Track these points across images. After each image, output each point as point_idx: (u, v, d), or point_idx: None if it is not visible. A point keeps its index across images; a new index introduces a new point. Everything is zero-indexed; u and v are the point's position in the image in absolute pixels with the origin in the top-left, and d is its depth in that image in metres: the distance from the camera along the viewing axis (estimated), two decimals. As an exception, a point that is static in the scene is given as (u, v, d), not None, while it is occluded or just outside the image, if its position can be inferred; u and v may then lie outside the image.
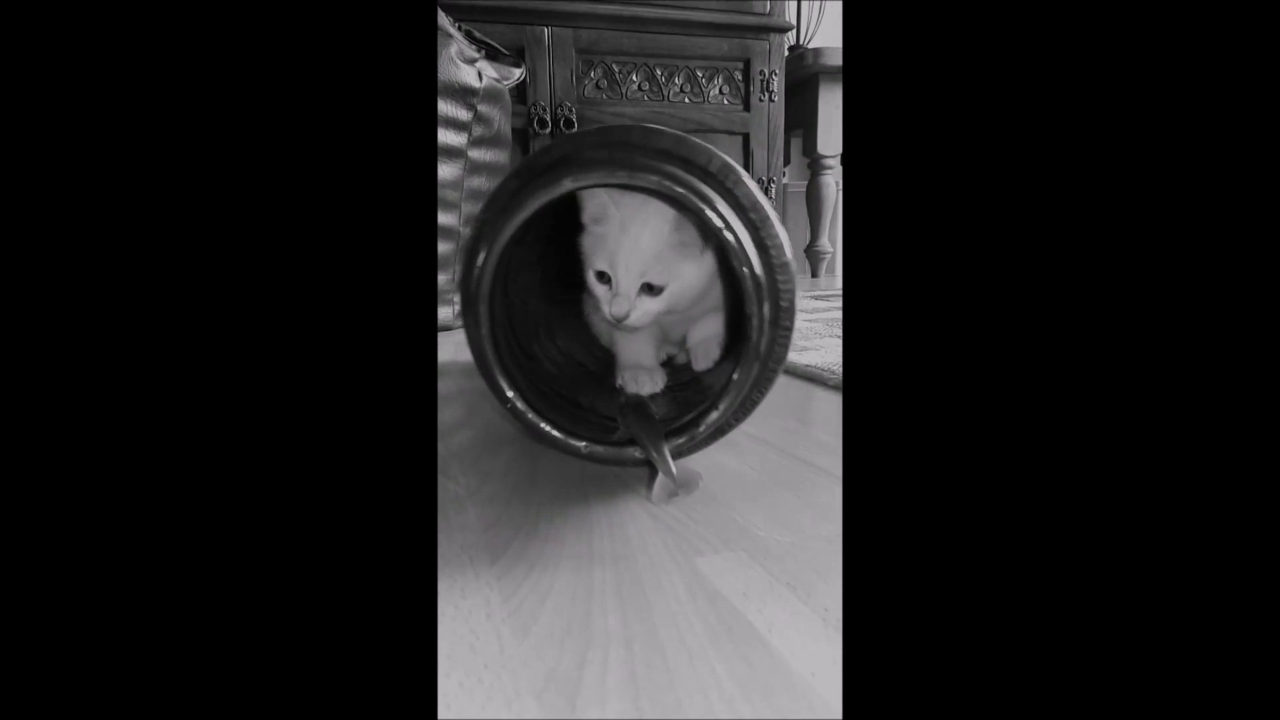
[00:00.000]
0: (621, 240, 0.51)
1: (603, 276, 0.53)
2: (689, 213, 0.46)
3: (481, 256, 0.41)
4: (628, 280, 0.51)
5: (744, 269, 0.40)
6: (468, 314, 0.43)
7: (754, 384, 0.43)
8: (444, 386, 0.79)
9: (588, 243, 0.54)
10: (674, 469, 0.39)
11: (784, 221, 2.24)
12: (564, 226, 0.56)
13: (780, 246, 0.41)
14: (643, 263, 0.51)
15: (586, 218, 0.53)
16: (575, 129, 1.85)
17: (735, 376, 0.42)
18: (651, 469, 0.44)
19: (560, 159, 0.42)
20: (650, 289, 0.52)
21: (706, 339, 0.62)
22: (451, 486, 0.46)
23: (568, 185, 0.39)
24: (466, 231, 0.43)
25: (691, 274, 0.53)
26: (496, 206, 0.42)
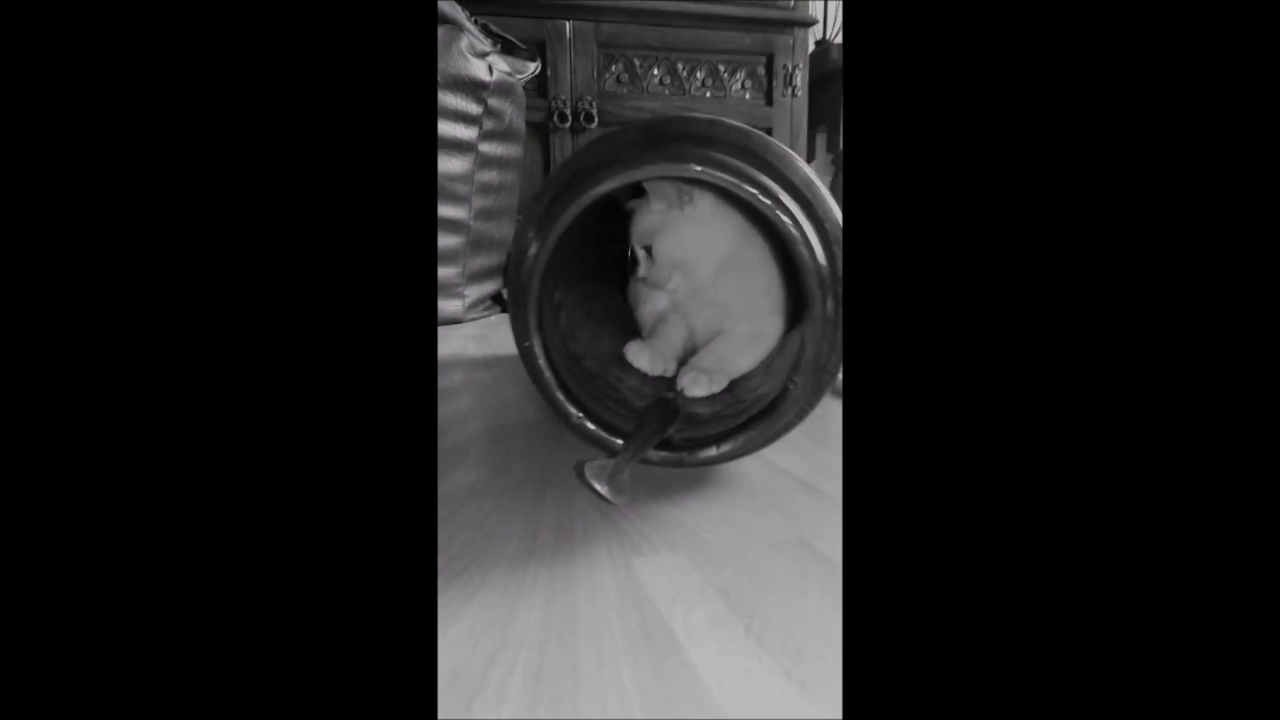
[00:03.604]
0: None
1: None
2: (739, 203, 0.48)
3: (534, 248, 0.44)
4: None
5: (821, 292, 0.40)
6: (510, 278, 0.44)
7: (803, 403, 0.43)
8: (450, 380, 0.80)
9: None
10: (625, 471, 0.39)
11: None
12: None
13: (836, 224, 0.41)
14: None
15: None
16: (595, 123, 1.85)
17: (787, 389, 0.42)
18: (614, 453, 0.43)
19: (603, 159, 0.43)
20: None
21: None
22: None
23: (610, 184, 0.41)
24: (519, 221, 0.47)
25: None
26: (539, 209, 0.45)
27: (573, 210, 0.42)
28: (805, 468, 0.48)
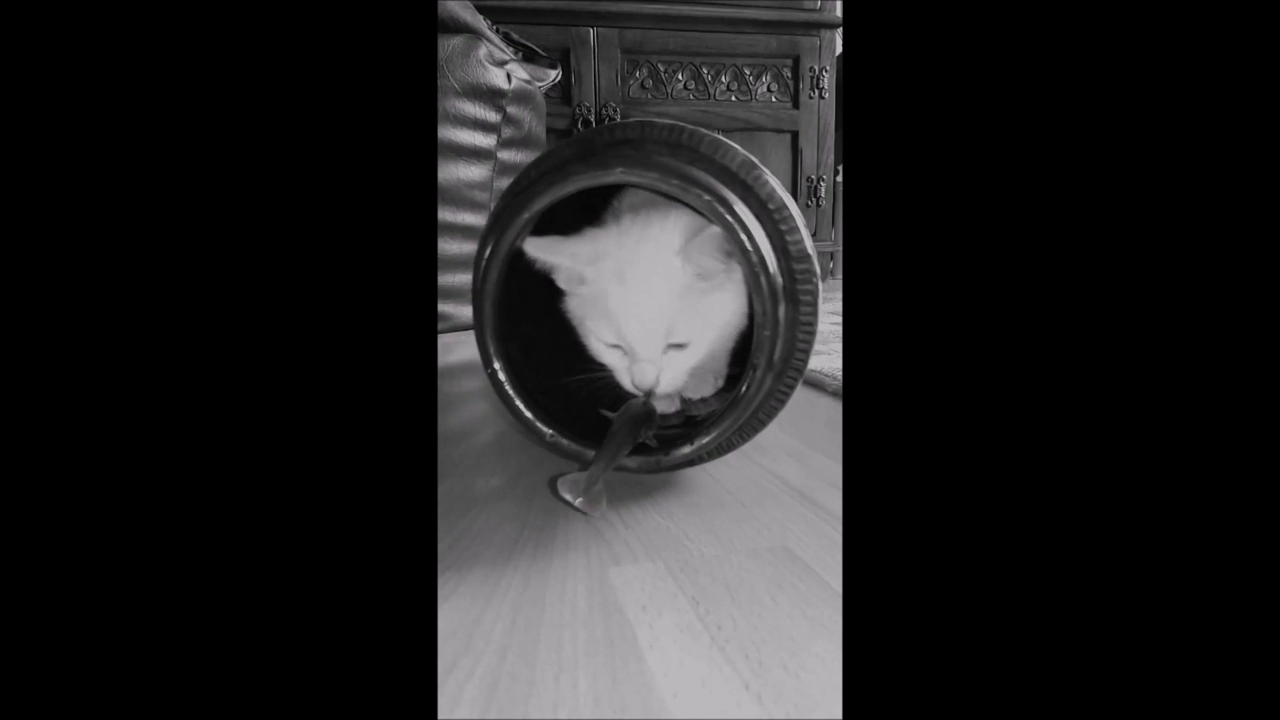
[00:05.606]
0: (625, 296, 0.41)
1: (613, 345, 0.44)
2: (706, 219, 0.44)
3: (489, 250, 0.42)
4: (647, 344, 0.42)
5: (760, 275, 0.38)
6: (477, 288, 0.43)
7: (765, 398, 0.42)
8: (464, 386, 0.80)
9: (576, 308, 0.46)
10: (599, 482, 0.38)
11: (835, 221, 2.19)
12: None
13: (801, 245, 0.39)
14: (663, 319, 0.41)
15: (564, 280, 0.45)
16: (619, 129, 1.85)
17: (744, 390, 0.40)
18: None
19: (537, 175, 0.42)
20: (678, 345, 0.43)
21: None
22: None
23: (542, 202, 0.39)
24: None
25: (725, 303, 0.44)
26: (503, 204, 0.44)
27: (510, 234, 0.41)
28: (802, 475, 0.47)
